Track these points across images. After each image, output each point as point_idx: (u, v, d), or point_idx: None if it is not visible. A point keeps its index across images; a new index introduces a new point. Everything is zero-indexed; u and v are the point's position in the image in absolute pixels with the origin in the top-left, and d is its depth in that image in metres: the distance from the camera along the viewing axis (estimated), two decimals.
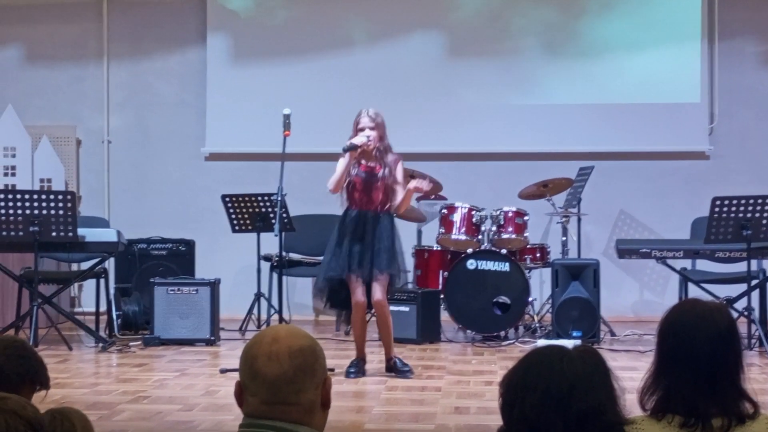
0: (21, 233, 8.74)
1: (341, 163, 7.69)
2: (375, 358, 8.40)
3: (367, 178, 7.70)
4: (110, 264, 10.21)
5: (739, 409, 2.99)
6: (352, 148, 7.62)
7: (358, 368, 7.74)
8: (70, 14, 11.78)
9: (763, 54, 11.35)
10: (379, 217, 7.69)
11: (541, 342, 8.95)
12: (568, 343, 2.67)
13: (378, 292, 7.61)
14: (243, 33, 11.56)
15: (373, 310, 7.86)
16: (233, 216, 10.07)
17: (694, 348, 3.00)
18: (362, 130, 7.70)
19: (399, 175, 7.71)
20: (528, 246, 9.95)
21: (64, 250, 9.39)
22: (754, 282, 8.93)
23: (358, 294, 7.64)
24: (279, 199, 9.07)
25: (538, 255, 10.03)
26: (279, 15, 11.54)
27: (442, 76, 11.37)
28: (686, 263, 9.89)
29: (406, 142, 10.71)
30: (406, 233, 10.30)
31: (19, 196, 8.83)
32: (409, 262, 10.36)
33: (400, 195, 7.68)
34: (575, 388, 2.55)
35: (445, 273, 9.81)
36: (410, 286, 9.93)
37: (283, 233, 9.31)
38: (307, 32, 11.49)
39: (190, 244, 10.59)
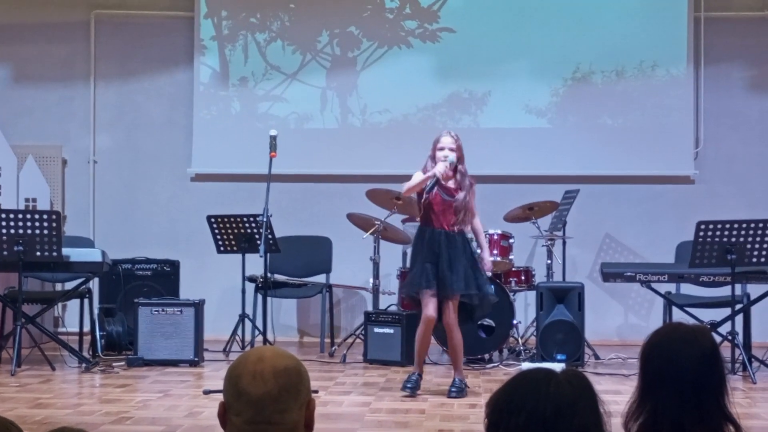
0: (5, 252, 8.71)
1: (420, 177, 7.77)
2: (358, 380, 8.39)
3: (445, 199, 7.76)
4: (94, 284, 10.18)
5: (723, 431, 2.99)
6: (435, 183, 7.70)
7: (415, 384, 7.79)
8: (58, 34, 11.78)
9: (750, 79, 11.41)
10: (453, 238, 7.75)
11: (526, 365, 8.94)
12: (556, 367, 2.65)
13: (449, 314, 7.70)
14: (230, 54, 11.57)
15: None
16: (218, 237, 10.06)
17: (680, 370, 3.01)
18: (442, 149, 7.76)
19: (473, 196, 7.86)
20: (513, 269, 9.95)
21: (49, 270, 9.35)
22: (738, 306, 8.95)
23: (430, 309, 7.71)
24: (264, 220, 9.07)
25: (523, 278, 10.03)
26: (265, 36, 11.56)
27: (428, 97, 11.39)
28: (671, 287, 9.91)
29: (391, 164, 10.79)
30: (392, 255, 10.35)
31: (3, 216, 8.79)
32: (394, 284, 10.38)
33: (480, 228, 7.99)
34: (561, 412, 2.53)
35: None
36: (394, 308, 9.93)
37: (269, 254, 9.31)
38: (294, 52, 11.51)
39: (174, 265, 10.56)
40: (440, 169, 7.68)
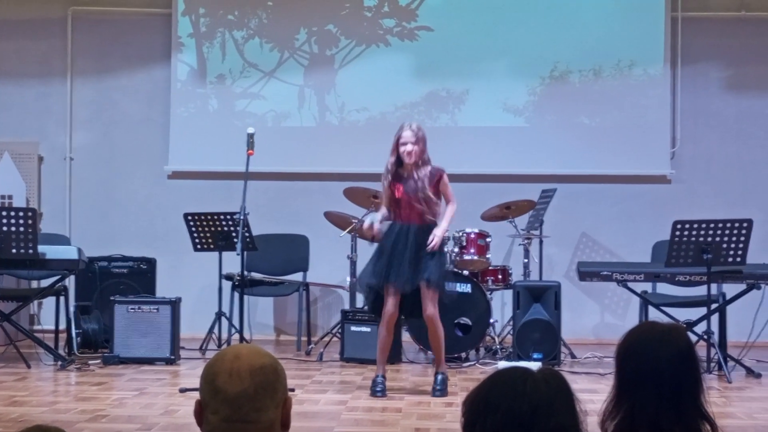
0: None
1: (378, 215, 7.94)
2: (335, 378, 8.39)
3: (407, 192, 7.76)
4: (70, 282, 10.14)
5: (700, 429, 3.00)
6: (395, 177, 7.81)
7: (383, 386, 7.76)
8: (35, 31, 11.73)
9: (726, 79, 11.45)
10: (422, 230, 7.74)
11: (502, 364, 8.96)
12: (533, 366, 2.65)
13: (429, 306, 7.69)
14: (207, 51, 11.55)
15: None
16: (195, 235, 10.03)
17: (656, 369, 3.02)
18: (404, 144, 7.78)
19: (444, 187, 7.82)
20: (490, 267, 9.96)
21: (24, 267, 9.29)
22: (713, 306, 8.98)
23: (390, 304, 7.71)
24: (242, 218, 9.05)
25: (500, 277, 10.04)
26: (243, 34, 11.55)
27: (406, 96, 11.40)
28: (647, 286, 9.93)
29: (369, 163, 10.78)
30: (369, 253, 10.30)
31: None
32: None
33: (447, 212, 7.85)
34: (538, 411, 2.52)
35: None
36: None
37: (246, 252, 9.30)
38: (272, 50, 11.50)
39: (151, 263, 10.53)
40: (367, 224, 7.88)
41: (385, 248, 7.78)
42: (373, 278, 7.78)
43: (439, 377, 7.81)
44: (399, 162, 7.83)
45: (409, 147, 7.75)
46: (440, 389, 7.73)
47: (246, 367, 2.57)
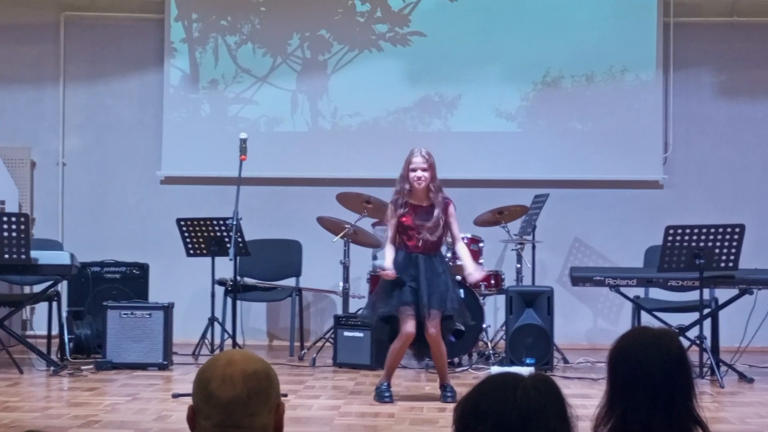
0: None
1: (387, 256, 7.82)
2: (328, 383, 8.38)
3: (417, 220, 7.72)
4: (63, 287, 10.13)
5: None
6: (407, 206, 7.78)
7: (390, 392, 7.76)
8: (27, 35, 11.72)
9: (718, 84, 11.48)
10: (430, 259, 7.73)
11: (495, 369, 8.96)
12: (524, 371, 2.63)
13: (431, 327, 7.64)
14: (200, 57, 11.54)
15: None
16: (188, 240, 10.02)
17: (647, 372, 3.02)
18: (414, 170, 7.73)
19: (451, 219, 7.79)
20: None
21: (17, 273, 9.30)
22: (706, 311, 8.98)
23: (409, 325, 7.64)
24: (234, 223, 9.05)
25: (492, 282, 10.04)
26: (236, 39, 11.54)
27: (399, 101, 11.40)
28: (640, 291, 9.95)
29: (361, 168, 10.82)
30: (362, 258, 10.35)
31: None
32: (364, 288, 10.37)
33: (464, 252, 7.94)
34: (528, 418, 2.49)
35: None
36: (364, 312, 9.91)
37: (238, 257, 9.29)
38: (264, 55, 11.50)
39: (144, 268, 10.52)
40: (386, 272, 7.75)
41: (398, 279, 7.73)
42: (388, 306, 7.75)
43: (449, 386, 7.81)
44: (410, 190, 7.79)
45: (419, 173, 7.72)
46: (451, 396, 7.71)
47: (239, 373, 2.56)
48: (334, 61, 11.50)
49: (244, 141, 9.22)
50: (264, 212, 11.35)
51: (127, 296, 10.09)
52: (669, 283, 9.23)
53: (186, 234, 9.99)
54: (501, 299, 10.32)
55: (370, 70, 11.45)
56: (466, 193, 11.03)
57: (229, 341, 9.57)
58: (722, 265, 8.75)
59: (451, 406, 7.52)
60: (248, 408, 2.55)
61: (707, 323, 9.07)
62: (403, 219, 7.73)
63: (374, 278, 10.05)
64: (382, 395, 7.71)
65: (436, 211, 7.71)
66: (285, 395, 7.24)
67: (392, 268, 7.66)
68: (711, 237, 8.69)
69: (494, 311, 10.96)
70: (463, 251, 7.93)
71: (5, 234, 8.69)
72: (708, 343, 8.93)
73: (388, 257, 7.77)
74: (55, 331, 9.89)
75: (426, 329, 7.65)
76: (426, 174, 7.72)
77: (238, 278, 9.53)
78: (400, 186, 7.81)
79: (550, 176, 11.26)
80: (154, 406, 7.37)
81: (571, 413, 2.58)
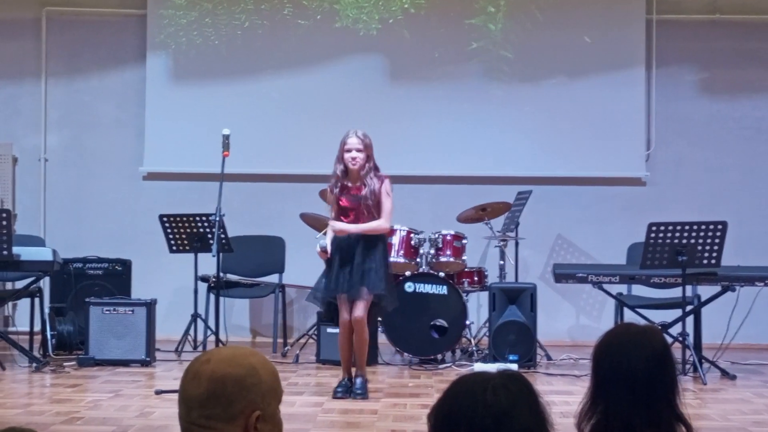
0: None
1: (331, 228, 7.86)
2: (311, 380, 8.37)
3: (353, 201, 7.76)
4: (45, 283, 10.09)
5: (675, 431, 3.01)
6: (340, 187, 7.81)
7: (345, 388, 7.76)
8: (8, 31, 11.68)
9: (700, 82, 11.50)
10: (368, 239, 7.74)
11: (478, 366, 8.98)
12: (491, 368, 2.58)
13: (358, 310, 7.67)
14: (182, 53, 11.51)
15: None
16: (171, 236, 10.00)
17: (631, 369, 3.03)
18: (349, 150, 7.77)
19: (384, 194, 7.77)
20: (466, 269, 9.98)
21: None
22: (688, 308, 9.01)
23: (344, 313, 7.73)
24: (217, 219, 9.03)
25: (475, 278, 10.05)
26: (219, 36, 11.52)
27: (382, 100, 11.39)
28: (622, 288, 9.97)
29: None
30: None
31: None
32: None
33: (374, 222, 7.76)
34: (500, 419, 2.45)
35: None
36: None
37: (221, 254, 9.28)
38: (246, 53, 11.48)
39: (126, 264, 10.50)
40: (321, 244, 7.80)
41: (334, 261, 7.79)
42: (326, 292, 7.85)
43: (359, 381, 7.80)
44: (345, 171, 7.82)
45: (353, 153, 7.75)
46: (361, 392, 7.72)
47: (208, 373, 2.53)
48: (316, 59, 11.46)
49: (227, 137, 9.21)
50: (247, 208, 11.34)
51: (110, 292, 10.07)
52: (651, 280, 9.24)
53: (169, 230, 9.97)
54: (484, 296, 10.33)
55: (352, 68, 11.43)
56: (449, 189, 11.04)
57: (212, 338, 9.55)
58: (705, 262, 8.77)
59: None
60: (204, 410, 2.52)
61: (690, 320, 9.09)
62: (340, 201, 7.78)
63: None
64: (335, 390, 7.76)
65: (365, 190, 7.74)
66: None
67: (327, 249, 7.76)
68: (693, 234, 8.71)
69: (477, 308, 10.97)
70: (370, 224, 7.76)
71: None
72: (690, 340, 8.95)
73: (328, 237, 7.86)
74: (37, 328, 9.87)
75: (352, 311, 7.69)
76: (361, 155, 7.76)
77: (221, 275, 9.52)
78: (335, 167, 7.86)
79: (533, 173, 11.27)
80: (137, 403, 7.35)
81: (543, 406, 2.54)
